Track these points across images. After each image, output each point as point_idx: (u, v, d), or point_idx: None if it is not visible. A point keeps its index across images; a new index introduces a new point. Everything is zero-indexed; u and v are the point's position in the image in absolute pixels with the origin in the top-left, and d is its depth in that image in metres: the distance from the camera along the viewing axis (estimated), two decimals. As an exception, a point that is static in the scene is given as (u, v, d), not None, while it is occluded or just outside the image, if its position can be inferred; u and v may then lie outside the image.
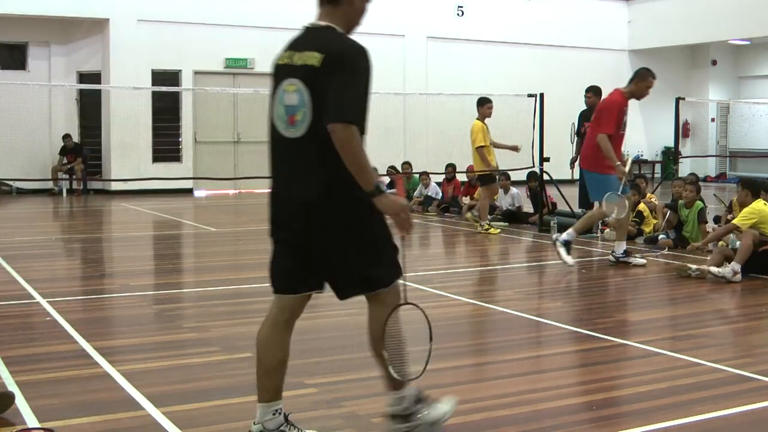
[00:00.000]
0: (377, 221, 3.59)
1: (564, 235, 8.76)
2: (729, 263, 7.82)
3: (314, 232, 3.54)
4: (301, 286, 3.72)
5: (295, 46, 3.57)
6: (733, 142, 24.70)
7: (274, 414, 3.69)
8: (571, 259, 8.68)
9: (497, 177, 12.08)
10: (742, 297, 7.52)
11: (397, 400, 3.68)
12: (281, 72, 3.56)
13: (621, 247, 8.84)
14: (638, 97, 9.05)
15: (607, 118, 8.65)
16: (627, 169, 8.81)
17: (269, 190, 3.68)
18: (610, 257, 8.90)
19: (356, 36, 3.62)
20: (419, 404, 3.71)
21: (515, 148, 11.99)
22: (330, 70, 3.38)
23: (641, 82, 8.86)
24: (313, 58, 3.43)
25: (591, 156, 8.86)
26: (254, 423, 3.69)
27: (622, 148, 9.30)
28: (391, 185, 16.47)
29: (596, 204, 9.10)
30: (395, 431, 3.69)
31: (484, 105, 11.76)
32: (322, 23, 3.57)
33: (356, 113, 3.37)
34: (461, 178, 14.94)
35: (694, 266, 8.10)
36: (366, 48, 3.47)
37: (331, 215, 3.49)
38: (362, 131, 3.40)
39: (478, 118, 11.66)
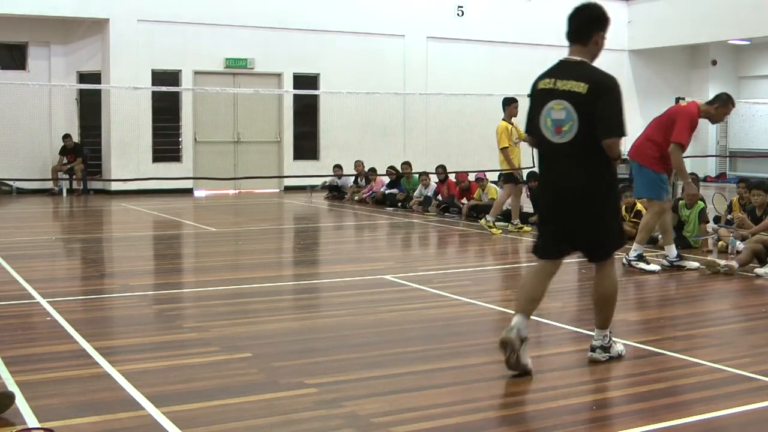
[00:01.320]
0: (617, 207, 5.06)
1: (632, 253, 8.40)
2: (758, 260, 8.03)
3: (575, 212, 4.81)
4: (556, 253, 5.00)
5: (556, 75, 4.86)
6: (733, 142, 24.69)
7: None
8: (655, 265, 8.41)
9: (519, 177, 12.04)
10: (742, 297, 7.52)
11: (602, 337, 5.04)
12: (545, 94, 4.84)
13: (672, 251, 8.50)
14: (713, 121, 8.78)
15: (682, 127, 8.10)
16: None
17: (539, 181, 5.10)
18: (663, 261, 8.55)
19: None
20: (612, 341, 5.09)
21: None
22: (595, 96, 4.67)
23: (722, 108, 8.46)
24: (579, 86, 4.70)
25: (648, 152, 8.37)
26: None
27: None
28: (392, 185, 16.51)
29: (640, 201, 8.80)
30: (598, 358, 5.01)
31: (510, 105, 11.88)
32: (577, 58, 4.86)
33: (621, 128, 4.74)
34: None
35: (722, 262, 8.21)
36: (614, 75, 4.80)
37: (588, 200, 4.78)
38: (624, 135, 4.78)
39: (504, 119, 11.81)
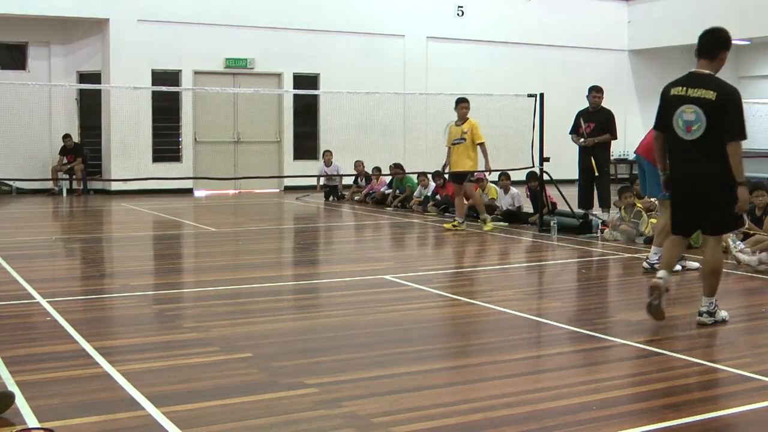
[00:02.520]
0: (734, 194, 5.84)
1: (653, 257, 8.18)
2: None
3: (700, 195, 5.94)
4: (687, 229, 6.23)
5: (687, 84, 5.94)
6: (733, 142, 24.70)
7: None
8: (677, 265, 8.12)
9: (443, 176, 12.20)
10: (742, 297, 7.52)
11: (708, 303, 6.02)
12: (677, 100, 5.94)
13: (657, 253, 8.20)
14: None
15: None
16: None
17: (674, 170, 6.10)
18: (644, 264, 8.37)
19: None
20: (717, 308, 6.05)
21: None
22: (722, 103, 5.77)
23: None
24: (709, 94, 5.79)
25: None
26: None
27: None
28: (390, 183, 16.50)
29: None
30: (705, 322, 5.98)
31: (456, 105, 12.01)
32: (705, 71, 5.93)
33: (743, 133, 5.86)
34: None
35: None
36: (736, 87, 5.91)
37: (711, 186, 5.89)
38: (744, 138, 5.86)
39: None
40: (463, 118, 11.88)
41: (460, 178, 12.04)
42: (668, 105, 6.02)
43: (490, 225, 11.88)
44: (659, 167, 6.33)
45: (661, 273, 5.99)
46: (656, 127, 6.26)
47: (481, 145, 11.85)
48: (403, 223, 13.28)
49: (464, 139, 11.76)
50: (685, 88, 5.93)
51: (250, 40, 19.54)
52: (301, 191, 18.84)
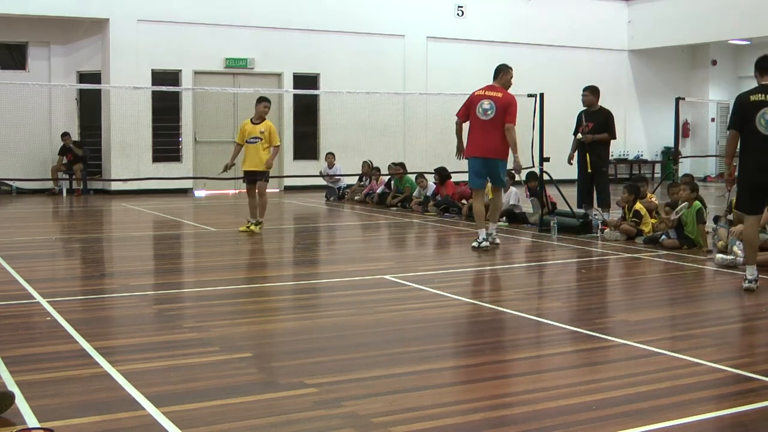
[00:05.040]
0: None
1: (491, 227, 10.30)
2: None
3: None
4: (759, 209, 7.44)
5: (763, 91, 7.20)
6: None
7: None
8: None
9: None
10: (742, 297, 7.52)
11: (753, 271, 7.31)
12: (757, 104, 7.19)
13: (482, 234, 10.05)
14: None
15: (516, 113, 10.22)
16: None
17: (755, 161, 7.29)
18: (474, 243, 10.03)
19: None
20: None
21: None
22: None
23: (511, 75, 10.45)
24: None
25: (506, 149, 10.21)
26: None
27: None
28: (389, 184, 16.49)
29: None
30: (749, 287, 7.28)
31: (258, 103, 11.83)
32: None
33: None
34: (461, 178, 14.90)
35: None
36: None
37: None
38: None
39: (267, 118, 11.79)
40: (261, 118, 11.72)
41: (254, 177, 11.79)
42: (748, 109, 7.23)
43: (254, 228, 11.59)
44: (726, 162, 7.70)
45: (749, 272, 7.26)
46: (733, 127, 7.37)
47: (276, 147, 11.69)
48: (403, 223, 13.28)
49: (261, 139, 11.62)
50: (764, 95, 7.22)
51: (250, 40, 19.55)
52: (301, 191, 18.84)
